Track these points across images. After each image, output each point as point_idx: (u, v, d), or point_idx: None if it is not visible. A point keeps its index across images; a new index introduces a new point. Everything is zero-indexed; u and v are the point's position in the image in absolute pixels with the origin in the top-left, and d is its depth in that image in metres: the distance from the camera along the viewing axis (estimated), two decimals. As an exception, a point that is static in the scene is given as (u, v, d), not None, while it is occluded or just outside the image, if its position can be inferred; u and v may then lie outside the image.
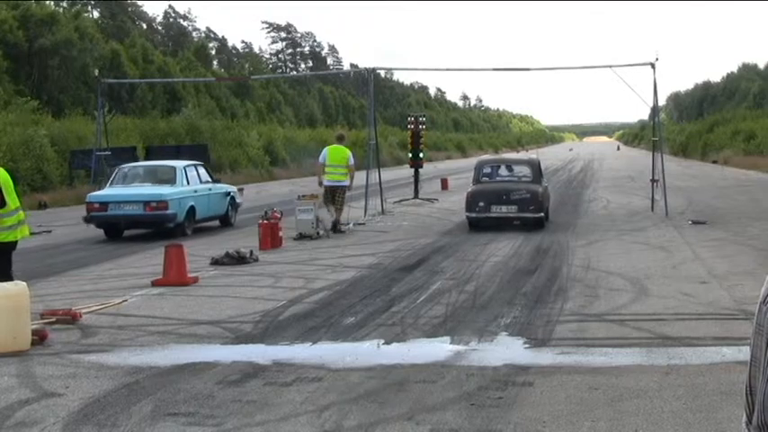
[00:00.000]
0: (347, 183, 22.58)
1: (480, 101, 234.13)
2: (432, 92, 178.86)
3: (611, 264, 16.10)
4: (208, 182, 24.34)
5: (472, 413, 7.39)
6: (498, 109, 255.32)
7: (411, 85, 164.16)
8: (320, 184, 22.85)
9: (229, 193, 25.71)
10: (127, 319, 11.75)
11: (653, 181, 27.16)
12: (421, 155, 34.74)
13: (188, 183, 22.89)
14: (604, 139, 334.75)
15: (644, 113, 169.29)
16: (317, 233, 21.32)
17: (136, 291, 13.95)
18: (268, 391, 8.20)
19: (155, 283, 14.42)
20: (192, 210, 22.59)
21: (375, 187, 27.77)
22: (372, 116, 30.72)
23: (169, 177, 22.78)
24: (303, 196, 22.43)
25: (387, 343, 10.08)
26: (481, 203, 22.40)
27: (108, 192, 22.35)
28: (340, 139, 23.65)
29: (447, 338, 10.24)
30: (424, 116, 36.13)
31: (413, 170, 34.70)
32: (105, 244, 21.53)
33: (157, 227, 22.09)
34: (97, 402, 7.89)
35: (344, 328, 10.90)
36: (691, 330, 10.42)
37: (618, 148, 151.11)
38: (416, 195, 33.89)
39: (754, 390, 1.88)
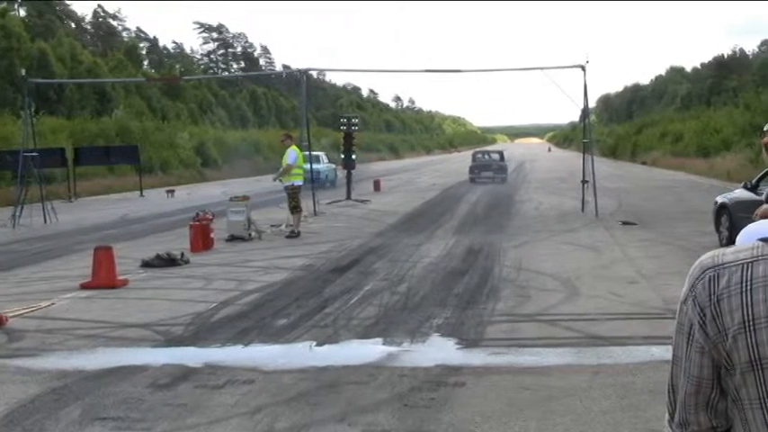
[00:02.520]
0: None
1: (413, 102, 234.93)
2: (364, 93, 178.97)
3: (542, 264, 16.25)
4: (328, 164, 46.02)
5: (404, 414, 7.40)
6: (431, 110, 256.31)
7: (344, 86, 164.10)
8: (278, 178, 22.53)
9: (335, 168, 45.52)
10: (54, 323, 11.57)
11: (584, 182, 27.47)
12: (353, 156, 34.79)
13: (327, 163, 45.49)
14: (536, 140, 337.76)
15: (575, 115, 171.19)
16: (249, 235, 21.20)
17: (64, 294, 13.75)
18: (199, 393, 8.14)
19: (83, 286, 14.23)
20: (327, 176, 43.22)
21: (308, 189, 27.69)
22: (305, 117, 30.67)
23: (319, 159, 41.23)
24: (235, 197, 22.30)
25: (319, 344, 10.06)
26: (476, 171, 47.69)
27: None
28: (293, 139, 23.19)
29: (379, 340, 10.25)
30: (357, 117, 36.16)
31: (345, 171, 34.73)
32: (32, 246, 21.20)
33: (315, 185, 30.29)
34: (23, 408, 7.76)
35: (277, 330, 10.86)
36: (620, 330, 10.55)
37: (549, 150, 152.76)
38: (349, 196, 33.91)
39: (676, 388, 1.91)
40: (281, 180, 22.22)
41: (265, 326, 11.12)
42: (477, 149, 62.61)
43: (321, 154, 45.98)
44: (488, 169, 48.77)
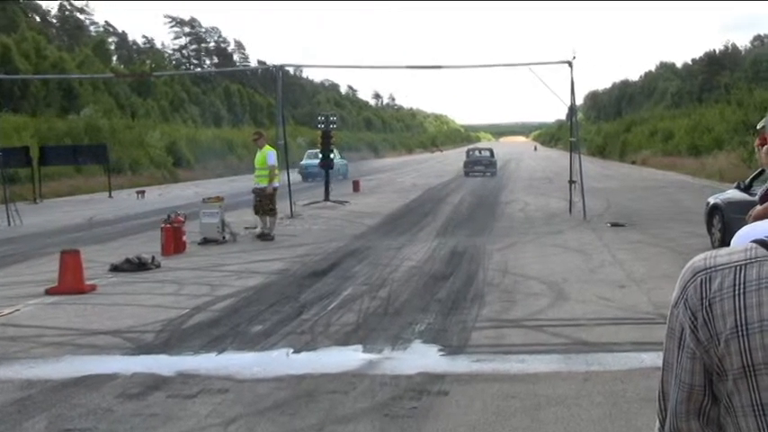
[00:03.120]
0: None
1: (393, 99, 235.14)
2: (343, 90, 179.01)
3: (528, 268, 16.28)
4: (341, 158, 52.91)
5: (385, 424, 7.40)
6: (412, 108, 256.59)
7: (321, 82, 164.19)
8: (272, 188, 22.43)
9: (346, 163, 56.62)
10: (19, 330, 11.51)
11: (571, 182, 27.55)
12: (332, 156, 34.79)
13: (340, 157, 50.54)
14: (521, 139, 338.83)
15: (561, 113, 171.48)
16: (223, 237, 21.15)
17: (29, 300, 13.68)
18: (171, 403, 8.11)
19: (49, 292, 14.16)
20: (340, 169, 49.89)
21: (284, 189, 27.68)
22: (281, 115, 30.62)
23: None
24: (209, 199, 22.24)
25: (296, 352, 10.05)
26: (470, 166, 56.17)
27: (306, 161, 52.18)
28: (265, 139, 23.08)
29: (359, 347, 10.25)
30: (335, 115, 36.16)
31: (324, 172, 34.72)
32: (-4, 250, 21.10)
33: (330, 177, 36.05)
34: (-14, 419, 7.71)
35: (252, 337, 10.84)
36: (609, 336, 10.58)
37: (535, 149, 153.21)
38: (327, 197, 33.89)
39: (667, 395, 1.91)
40: (257, 182, 22.15)
41: (240, 333, 11.10)
42: (470, 147, 75.45)
43: (334, 150, 47.96)
44: (480, 164, 58.82)
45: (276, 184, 22.19)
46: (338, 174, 48.70)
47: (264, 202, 21.92)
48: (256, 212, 22.17)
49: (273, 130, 31.41)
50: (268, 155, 21.93)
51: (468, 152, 63.76)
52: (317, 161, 50.64)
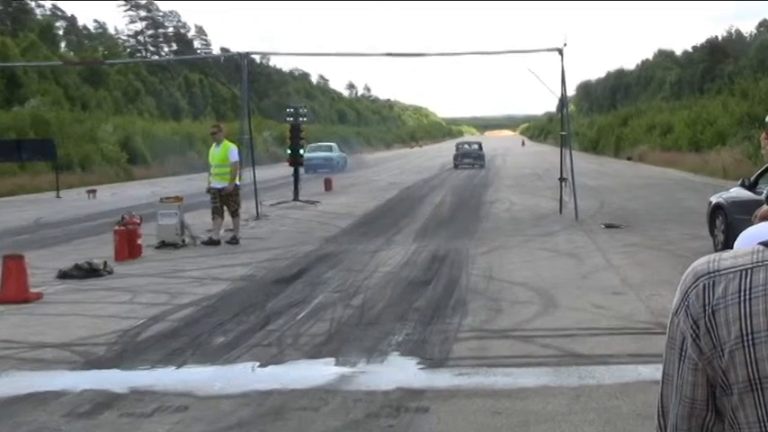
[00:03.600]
0: None
1: (368, 90, 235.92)
2: (314, 79, 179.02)
3: (515, 273, 16.31)
4: (340, 152, 64.42)
5: (360, 444, 7.39)
6: (389, 99, 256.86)
7: (290, 72, 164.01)
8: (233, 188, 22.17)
9: (345, 156, 65.71)
10: (-43, 343, 11.44)
11: (561, 180, 27.61)
12: (302, 151, 34.76)
13: (338, 151, 63.71)
14: (508, 133, 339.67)
15: (551, 105, 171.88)
16: (182, 241, 21.09)
17: (-32, 309, 13.61)
18: (124, 422, 8.07)
19: (-9, 301, 14.09)
20: (339, 162, 60.17)
21: (249, 188, 27.64)
22: (246, 107, 30.56)
23: (331, 148, 62.65)
24: (167, 198, 22.17)
25: (262, 365, 10.02)
26: (459, 158, 65.67)
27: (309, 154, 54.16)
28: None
29: (331, 360, 10.23)
30: (305, 107, 36.14)
31: (292, 169, 34.68)
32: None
33: (330, 169, 53.50)
34: None
35: (214, 350, 10.81)
36: (604, 347, 10.60)
37: (523, 144, 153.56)
38: (296, 197, 33.86)
39: (667, 411, 1.91)
40: (216, 180, 21.84)
41: (201, 345, 11.07)
42: (459, 141, 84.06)
43: (333, 144, 68.85)
44: (469, 157, 67.70)
45: (239, 183, 22.02)
46: (337, 167, 60.93)
47: (229, 204, 21.69)
48: (215, 216, 21.84)
49: (238, 124, 31.32)
50: (230, 150, 21.63)
51: (457, 146, 73.53)
52: (320, 153, 62.99)
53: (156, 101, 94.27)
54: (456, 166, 65.09)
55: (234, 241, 21.46)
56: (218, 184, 21.63)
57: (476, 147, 71.44)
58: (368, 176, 56.27)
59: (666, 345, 1.90)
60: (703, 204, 20.36)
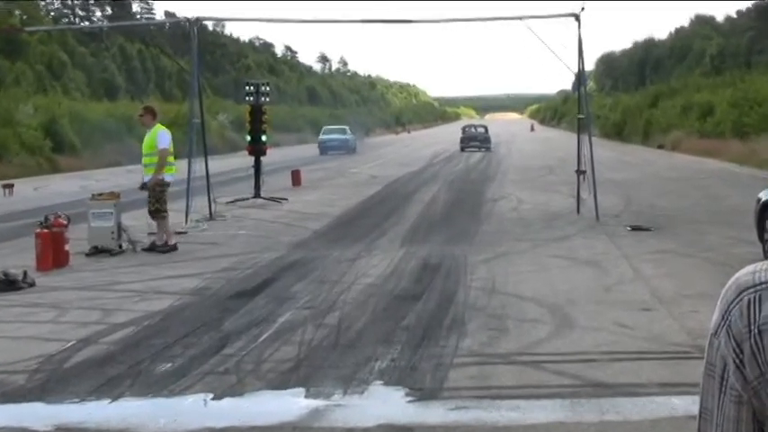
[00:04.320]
0: None
1: (345, 64, 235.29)
2: (278, 51, 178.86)
3: (523, 285, 16.33)
4: (352, 134, 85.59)
5: (335, 493, 7.40)
6: (370, 75, 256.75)
7: (250, 42, 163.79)
8: (156, 182, 21.88)
9: (354, 138, 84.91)
10: None
11: (579, 173, 27.62)
12: (264, 138, 34.69)
13: (351, 134, 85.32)
14: (514, 115, 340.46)
15: (566, 82, 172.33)
16: (120, 246, 21.04)
17: None
18: (49, 468, 8.06)
19: None
20: (351, 144, 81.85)
21: (200, 183, 27.60)
22: (196, 84, 30.49)
23: (346, 131, 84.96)
24: (100, 195, 22.11)
25: (217, 398, 10.02)
26: (466, 141, 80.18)
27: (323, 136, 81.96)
28: (156, 116, 22.52)
29: (300, 390, 10.23)
30: (268, 84, 36.06)
31: (253, 159, 34.62)
32: None
33: (345, 150, 77.75)
34: None
35: (158, 379, 10.79)
36: (630, 375, 10.62)
37: (532, 129, 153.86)
38: (258, 194, 33.80)
39: (705, 450, 1.91)
40: (146, 172, 21.66)
41: (142, 373, 11.05)
42: (466, 124, 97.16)
43: (346, 127, 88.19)
44: (476, 140, 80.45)
45: (166, 176, 21.60)
46: (350, 148, 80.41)
47: (151, 201, 21.49)
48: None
49: (186, 105, 31.23)
50: (158, 135, 21.32)
51: (464, 129, 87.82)
52: (335, 136, 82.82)
53: (87, 77, 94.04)
54: (462, 149, 78.22)
55: (154, 249, 21.22)
56: (146, 177, 21.52)
57: (482, 130, 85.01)
58: (343, 168, 56.25)
59: (704, 372, 1.90)
60: (750, 202, 20.38)
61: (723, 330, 1.85)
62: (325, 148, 78.84)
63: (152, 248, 21.33)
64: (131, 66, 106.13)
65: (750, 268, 1.87)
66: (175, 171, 21.98)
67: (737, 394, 1.82)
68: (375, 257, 19.84)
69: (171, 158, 21.63)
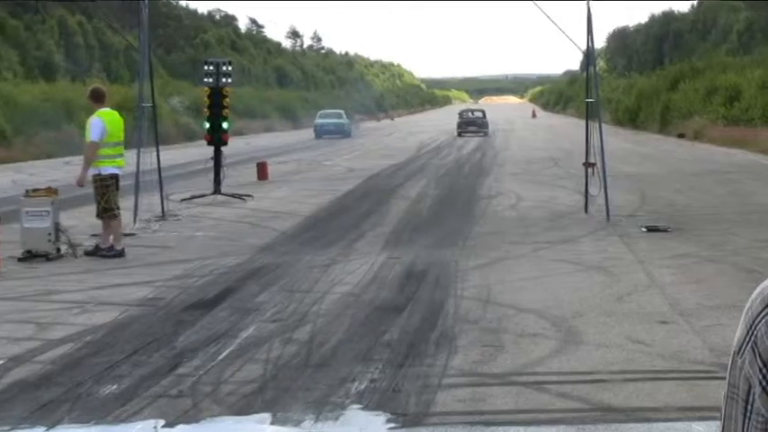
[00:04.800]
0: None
1: (319, 40, 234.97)
2: (242, 26, 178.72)
3: (522, 295, 16.35)
4: (347, 118, 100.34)
5: None
6: (347, 53, 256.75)
7: (210, 14, 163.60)
8: (84, 179, 21.84)
9: (350, 122, 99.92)
10: None
11: (587, 165, 27.65)
12: (225, 125, 34.63)
13: (347, 118, 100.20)
14: (513, 99, 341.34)
15: (573, 62, 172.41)
16: (58, 250, 21.00)
17: None
18: (-24, 506, 8.05)
19: None
20: (347, 128, 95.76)
21: (151, 176, 27.54)
22: (147, 63, 30.45)
23: (342, 116, 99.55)
24: (35, 191, 22.07)
25: (169, 424, 10.01)
26: (463, 126, 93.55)
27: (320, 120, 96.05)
28: (104, 98, 22.49)
29: (266, 416, 10.23)
30: (230, 63, 36.02)
31: (212, 149, 34.58)
32: None
33: (341, 135, 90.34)
34: None
35: (102, 403, 10.78)
36: (645, 397, 10.64)
37: (534, 115, 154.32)
38: (218, 189, 33.77)
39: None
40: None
41: (83, 396, 11.03)
42: (463, 109, 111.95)
43: (341, 111, 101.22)
44: (474, 125, 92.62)
45: (110, 168, 21.40)
46: (346, 133, 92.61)
47: (96, 199, 21.39)
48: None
49: (135, 87, 31.17)
50: (90, 125, 21.32)
51: (461, 114, 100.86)
52: (331, 120, 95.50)
53: (20, 54, 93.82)
54: (460, 134, 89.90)
55: (96, 253, 21.15)
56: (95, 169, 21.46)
57: (479, 114, 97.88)
58: (316, 160, 56.26)
59: (726, 395, 1.90)
60: (783, 199, 20.47)
61: (748, 348, 1.84)
62: (320, 132, 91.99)
63: (95, 252, 21.28)
64: (72, 42, 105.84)
65: (779, 276, 1.86)
66: (121, 163, 21.86)
67: (764, 420, 1.82)
68: (352, 263, 19.84)
69: (109, 150, 21.39)
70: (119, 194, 21.85)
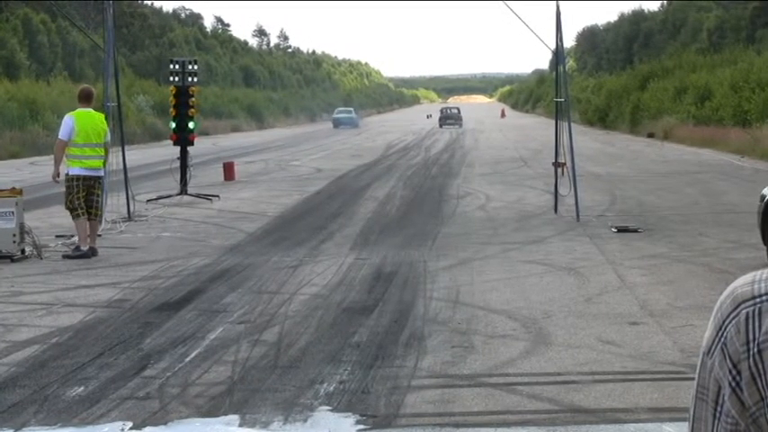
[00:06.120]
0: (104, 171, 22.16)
1: (285, 39, 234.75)
2: (208, 24, 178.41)
3: (491, 296, 16.37)
4: (355, 113, 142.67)
5: None
6: (315, 52, 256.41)
7: (175, 13, 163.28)
8: (57, 175, 21.94)
9: (358, 117, 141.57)
10: None
11: (557, 165, 27.68)
12: (191, 125, 34.57)
13: (354, 113, 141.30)
14: (482, 98, 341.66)
15: (542, 61, 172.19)
16: (22, 251, 20.94)
17: None
18: None
19: None
20: (356, 121, 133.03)
21: (117, 177, 27.47)
22: (111, 62, 30.35)
23: (352, 112, 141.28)
24: (-1, 192, 22.04)
25: (137, 426, 10.00)
26: (443, 119, 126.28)
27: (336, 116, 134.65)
28: (87, 99, 22.51)
29: (234, 418, 10.23)
30: (196, 63, 35.94)
31: (178, 149, 34.51)
32: None
33: (352, 125, 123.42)
34: None
35: (68, 405, 10.76)
36: (615, 398, 10.67)
37: (503, 114, 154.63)
38: (184, 190, 33.70)
39: (696, 484, 1.92)
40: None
41: (49, 398, 11.01)
42: (444, 106, 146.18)
43: (351, 109, 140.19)
44: (451, 118, 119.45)
45: (75, 170, 21.43)
46: (356, 124, 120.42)
47: (96, 197, 21.55)
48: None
49: (100, 86, 31.08)
50: (62, 122, 21.61)
51: (442, 110, 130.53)
52: (345, 115, 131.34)
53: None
54: (441, 126, 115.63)
55: (75, 255, 21.11)
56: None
57: (455, 111, 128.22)
58: (283, 161, 56.17)
59: (695, 396, 1.90)
60: (754, 200, 20.50)
61: (717, 349, 1.85)
62: (337, 124, 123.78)
63: (77, 253, 21.22)
64: (35, 41, 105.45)
65: (748, 277, 1.87)
66: (93, 164, 21.79)
67: (734, 422, 1.82)
68: (320, 264, 19.83)
69: (76, 150, 21.40)
70: (101, 194, 21.92)
